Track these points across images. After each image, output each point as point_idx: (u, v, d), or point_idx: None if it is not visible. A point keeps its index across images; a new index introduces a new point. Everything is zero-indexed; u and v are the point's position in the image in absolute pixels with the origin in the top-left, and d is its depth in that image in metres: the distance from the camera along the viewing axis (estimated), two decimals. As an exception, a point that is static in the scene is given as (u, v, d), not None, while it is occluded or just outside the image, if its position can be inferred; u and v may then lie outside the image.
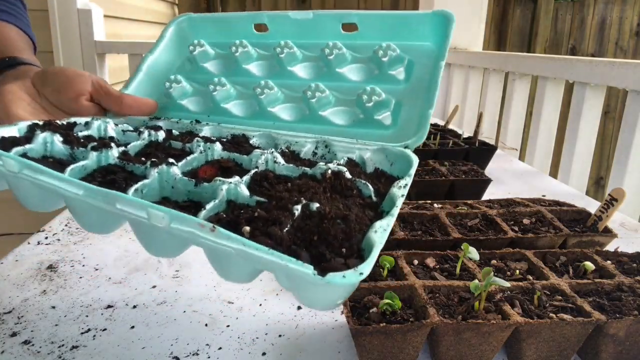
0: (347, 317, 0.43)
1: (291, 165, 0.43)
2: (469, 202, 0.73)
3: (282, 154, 0.46)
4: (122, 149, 0.44)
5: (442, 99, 2.34)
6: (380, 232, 0.33)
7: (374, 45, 0.56)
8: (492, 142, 1.19)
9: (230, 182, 0.37)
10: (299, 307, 0.55)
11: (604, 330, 0.43)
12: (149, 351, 0.47)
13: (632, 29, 3.36)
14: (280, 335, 0.49)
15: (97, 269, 0.63)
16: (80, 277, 0.61)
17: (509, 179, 1.12)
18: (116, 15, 2.24)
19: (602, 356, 0.45)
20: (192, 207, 0.37)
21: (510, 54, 1.84)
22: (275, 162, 0.44)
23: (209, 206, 0.35)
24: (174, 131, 0.53)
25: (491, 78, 1.97)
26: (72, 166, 0.39)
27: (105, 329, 0.50)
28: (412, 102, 0.52)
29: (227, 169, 0.43)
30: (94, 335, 0.49)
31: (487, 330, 0.42)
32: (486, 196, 0.89)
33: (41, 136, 0.43)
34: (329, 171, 0.40)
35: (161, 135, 0.49)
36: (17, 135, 0.45)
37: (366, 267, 0.28)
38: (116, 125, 0.53)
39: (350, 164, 0.46)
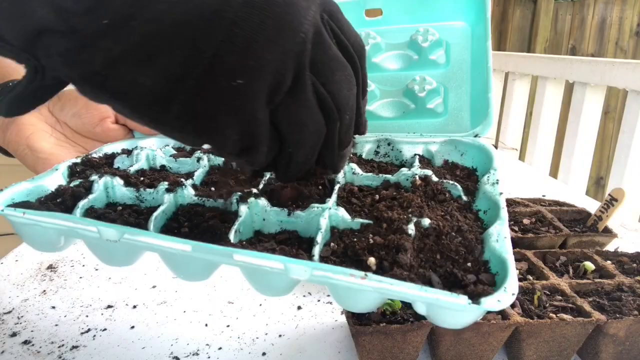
0: (347, 317, 0.43)
1: (370, 174, 0.41)
2: (469, 202, 0.73)
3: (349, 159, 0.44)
4: (190, 181, 0.40)
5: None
6: (502, 240, 0.31)
7: (403, 29, 0.53)
8: (492, 142, 1.19)
9: (330, 208, 0.35)
10: (299, 307, 0.55)
11: (604, 330, 0.43)
12: (149, 351, 0.47)
13: (632, 29, 3.36)
14: (280, 335, 0.49)
15: (97, 269, 0.63)
16: (80, 277, 0.61)
17: (509, 179, 1.12)
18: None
19: (602, 356, 0.45)
20: (291, 239, 0.34)
21: (510, 54, 1.84)
22: (353, 173, 0.41)
23: (319, 239, 0.32)
24: None
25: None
26: (154, 215, 0.35)
27: (105, 329, 0.50)
28: (456, 86, 0.50)
29: (309, 193, 0.40)
30: (94, 335, 0.49)
31: (487, 330, 0.42)
32: (486, 196, 0.88)
33: (101, 182, 0.39)
34: (417, 177, 0.39)
35: (220, 158, 0.46)
36: (63, 181, 0.41)
37: (514, 286, 0.27)
38: (161, 149, 0.49)
39: (421, 161, 0.44)
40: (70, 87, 0.41)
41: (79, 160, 0.45)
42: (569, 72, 1.40)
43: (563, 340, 0.43)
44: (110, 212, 0.37)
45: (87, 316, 0.52)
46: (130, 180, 0.41)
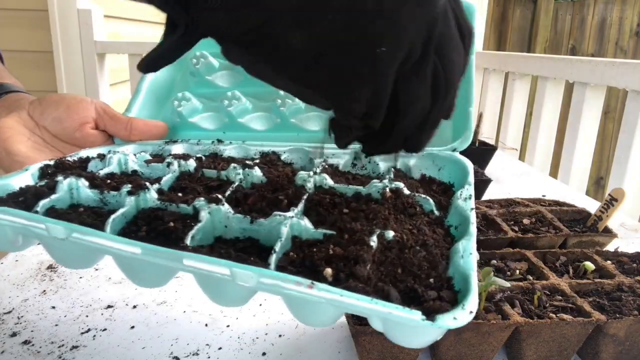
0: (347, 317, 0.42)
1: (342, 185, 0.41)
2: (469, 202, 0.73)
3: (322, 169, 0.43)
4: (156, 186, 0.40)
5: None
6: (467, 256, 0.31)
7: None
8: (492, 142, 1.19)
9: (292, 217, 0.34)
10: (299, 307, 0.55)
11: (604, 330, 0.43)
12: (149, 351, 0.47)
13: (632, 29, 3.36)
14: (280, 335, 0.49)
15: (97, 269, 0.63)
16: (80, 277, 0.61)
17: (509, 179, 1.12)
18: (116, 15, 2.24)
19: (602, 356, 0.45)
20: (252, 247, 0.34)
21: (510, 54, 1.84)
22: (324, 185, 0.41)
23: (277, 247, 0.32)
24: (203, 157, 0.49)
25: (491, 78, 1.96)
26: (112, 217, 0.35)
27: (105, 329, 0.50)
28: None
29: (269, 199, 0.39)
30: (94, 335, 0.49)
31: (487, 330, 0.42)
32: (486, 196, 0.88)
33: (65, 183, 0.39)
34: (388, 189, 0.38)
35: (191, 164, 0.45)
36: (32, 181, 0.41)
37: (473, 304, 0.27)
38: (134, 155, 0.49)
39: (397, 174, 0.44)
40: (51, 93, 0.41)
41: (52, 162, 0.44)
42: (569, 72, 1.40)
43: (563, 340, 0.43)
44: (70, 213, 0.36)
45: (87, 316, 0.52)
46: (95, 182, 0.40)
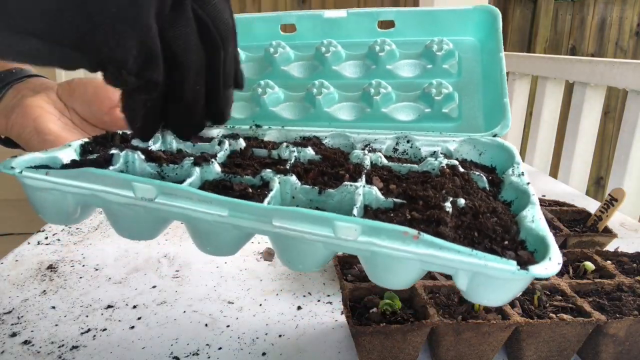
0: (347, 317, 0.43)
1: (396, 163, 0.41)
2: (469, 202, 0.73)
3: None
4: (214, 161, 0.39)
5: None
6: (537, 220, 0.32)
7: (413, 42, 0.55)
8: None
9: (364, 186, 0.34)
10: (299, 307, 0.55)
11: (604, 330, 0.43)
12: (149, 351, 0.47)
13: (632, 29, 3.36)
14: (280, 335, 0.49)
15: (97, 269, 0.63)
16: (80, 277, 0.61)
17: (509, 179, 1.12)
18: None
19: (602, 356, 0.45)
20: None
21: (510, 54, 1.84)
22: (379, 163, 0.41)
23: (355, 213, 0.31)
24: (247, 136, 0.48)
25: (491, 78, 1.96)
26: (184, 185, 0.33)
27: (105, 329, 0.50)
28: (469, 95, 0.52)
29: (330, 174, 0.38)
30: (94, 335, 0.49)
31: (487, 330, 0.42)
32: (486, 196, 0.88)
33: (122, 155, 0.37)
34: (445, 165, 0.39)
35: (241, 143, 0.44)
36: (76, 157, 0.39)
37: (557, 256, 0.27)
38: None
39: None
40: (80, 74, 0.38)
41: (91, 139, 0.42)
42: (569, 72, 1.40)
43: (563, 340, 0.43)
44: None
45: (87, 316, 0.52)
46: (152, 155, 0.39)
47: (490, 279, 0.28)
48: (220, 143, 0.44)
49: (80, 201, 0.34)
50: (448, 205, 0.32)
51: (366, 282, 0.48)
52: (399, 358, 0.43)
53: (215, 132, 0.50)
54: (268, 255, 0.67)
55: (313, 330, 0.51)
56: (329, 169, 0.39)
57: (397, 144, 0.47)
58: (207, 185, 0.36)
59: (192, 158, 0.38)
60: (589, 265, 0.52)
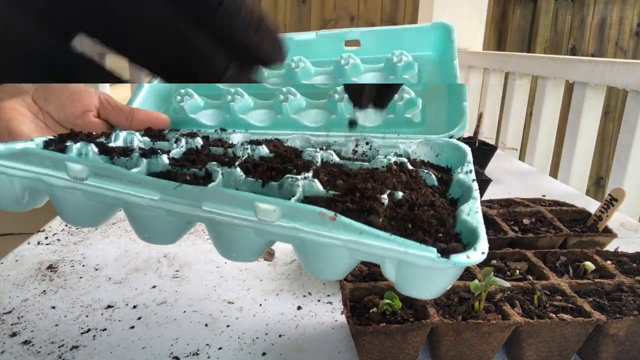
0: (347, 317, 0.43)
1: (347, 161, 0.42)
2: (469, 202, 0.73)
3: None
4: (165, 156, 0.40)
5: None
6: (473, 214, 0.32)
7: (379, 58, 0.58)
8: (492, 142, 1.19)
9: (304, 178, 0.35)
10: (299, 307, 0.55)
11: (604, 330, 0.43)
12: (149, 351, 0.47)
13: (632, 29, 3.36)
14: (280, 335, 0.49)
15: (97, 269, 0.63)
16: (80, 277, 0.61)
17: (509, 179, 1.12)
18: (116, 15, 2.24)
19: (602, 356, 0.45)
20: None
21: (510, 54, 1.84)
22: (330, 160, 0.42)
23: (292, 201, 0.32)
24: (209, 137, 0.50)
25: (491, 78, 1.96)
26: (130, 172, 0.34)
27: (105, 329, 0.50)
28: (430, 101, 0.54)
29: (278, 169, 0.39)
30: (94, 335, 0.49)
31: (487, 330, 0.42)
32: (486, 196, 0.88)
33: (75, 147, 0.39)
34: (393, 163, 0.39)
35: (199, 141, 0.46)
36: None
37: (484, 246, 0.28)
38: (140, 135, 0.49)
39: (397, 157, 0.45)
40: None
41: (56, 137, 0.45)
42: (569, 72, 1.40)
43: (563, 340, 0.43)
44: None
45: (87, 316, 0.52)
46: (105, 148, 0.40)
47: (415, 268, 0.28)
48: (177, 141, 0.45)
49: (26, 185, 0.35)
50: (384, 197, 0.32)
51: (366, 282, 0.48)
52: (399, 358, 0.43)
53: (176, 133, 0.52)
54: (268, 255, 0.67)
55: (313, 330, 0.51)
56: (278, 165, 0.39)
57: (356, 145, 0.48)
58: (151, 176, 0.36)
59: (141, 150, 0.39)
60: (589, 265, 0.52)
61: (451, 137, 0.47)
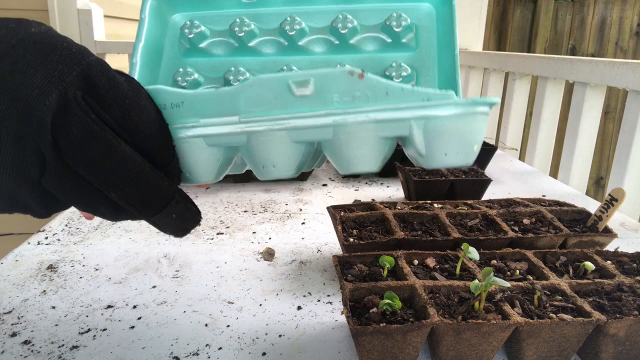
0: (347, 317, 0.43)
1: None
2: (469, 202, 0.73)
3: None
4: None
5: (442, 99, 2.35)
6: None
7: (377, 10, 0.57)
8: (492, 142, 1.19)
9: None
10: (299, 307, 0.55)
11: (604, 330, 0.43)
12: (149, 351, 0.47)
13: (632, 29, 3.36)
14: (280, 335, 0.49)
15: (97, 269, 0.63)
16: (80, 277, 0.61)
17: (509, 179, 1.12)
18: (116, 15, 2.24)
19: (602, 356, 0.45)
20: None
21: (510, 54, 1.84)
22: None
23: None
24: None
25: (491, 78, 1.96)
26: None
27: (105, 329, 0.50)
28: (425, 70, 0.53)
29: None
30: (94, 335, 0.49)
31: (487, 330, 0.42)
32: (486, 196, 0.88)
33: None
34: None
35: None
36: None
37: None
38: None
39: None
40: None
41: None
42: (569, 72, 1.40)
43: (563, 340, 0.43)
44: None
45: (87, 316, 0.52)
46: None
47: (443, 122, 0.30)
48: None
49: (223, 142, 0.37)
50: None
51: (366, 282, 0.48)
52: (399, 358, 0.43)
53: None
54: (268, 255, 0.67)
55: (313, 330, 0.51)
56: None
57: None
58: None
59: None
60: (589, 265, 0.52)
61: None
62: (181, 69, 0.57)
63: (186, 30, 0.59)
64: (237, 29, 0.58)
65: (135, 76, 0.58)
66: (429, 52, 0.54)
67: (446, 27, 0.54)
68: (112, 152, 0.29)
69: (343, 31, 0.56)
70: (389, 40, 0.56)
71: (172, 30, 0.61)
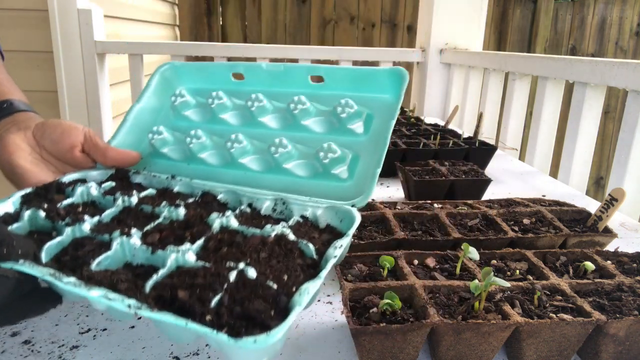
0: (347, 317, 0.43)
1: (244, 226, 0.47)
2: (469, 202, 0.73)
3: (241, 213, 0.50)
4: (96, 218, 0.48)
5: (442, 99, 2.34)
6: (303, 294, 0.36)
7: (338, 96, 0.61)
8: (492, 142, 1.19)
9: (179, 250, 0.41)
10: (299, 307, 0.55)
11: (604, 330, 0.43)
12: (149, 351, 0.47)
13: (632, 29, 3.36)
14: (280, 335, 0.49)
15: (97, 269, 0.63)
16: (80, 277, 0.61)
17: (509, 179, 1.12)
18: (116, 15, 2.24)
19: (602, 356, 0.45)
20: (150, 271, 0.40)
21: (510, 54, 1.84)
22: (229, 225, 0.47)
23: (160, 272, 0.39)
24: (149, 190, 0.56)
25: (491, 78, 1.97)
26: (48, 244, 0.43)
27: (105, 329, 0.50)
28: (370, 154, 0.56)
29: (177, 235, 0.47)
30: (94, 335, 0.49)
31: (487, 330, 0.42)
32: (486, 196, 0.89)
33: (27, 214, 0.47)
34: (273, 234, 0.44)
35: (134, 200, 0.53)
36: (12, 209, 0.50)
37: (279, 331, 0.32)
38: (100, 185, 0.57)
39: (304, 221, 0.50)
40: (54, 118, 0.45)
41: (32, 190, 0.53)
42: (569, 72, 1.40)
43: (563, 340, 0.43)
44: (24, 237, 0.44)
45: (87, 316, 0.52)
46: (50, 214, 0.48)
47: (224, 346, 0.33)
48: (115, 200, 0.53)
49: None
50: (233, 274, 0.37)
51: (366, 282, 0.48)
52: (399, 358, 0.43)
53: (137, 177, 0.60)
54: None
55: (313, 330, 0.51)
56: (180, 231, 0.47)
57: (275, 204, 0.53)
58: (72, 242, 0.45)
59: (68, 219, 0.47)
60: (589, 265, 0.52)
61: (353, 205, 0.50)
62: (155, 128, 0.64)
63: (173, 98, 0.68)
64: (210, 101, 0.65)
65: (123, 132, 0.66)
66: (372, 141, 0.57)
67: (390, 117, 0.57)
68: None
69: (295, 112, 0.61)
70: (337, 125, 0.60)
71: (169, 98, 0.70)
